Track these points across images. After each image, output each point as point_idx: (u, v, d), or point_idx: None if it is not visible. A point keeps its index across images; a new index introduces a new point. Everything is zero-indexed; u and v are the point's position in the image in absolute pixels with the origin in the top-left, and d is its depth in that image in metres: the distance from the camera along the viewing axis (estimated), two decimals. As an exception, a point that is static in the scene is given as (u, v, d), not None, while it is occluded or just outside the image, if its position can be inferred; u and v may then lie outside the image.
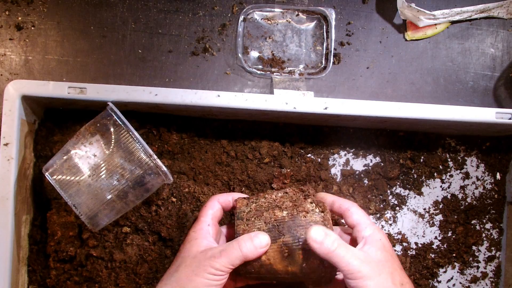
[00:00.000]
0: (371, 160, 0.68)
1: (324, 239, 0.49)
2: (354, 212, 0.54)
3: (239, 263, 0.51)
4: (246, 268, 0.52)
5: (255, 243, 0.51)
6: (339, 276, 0.56)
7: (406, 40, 0.69)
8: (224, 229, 0.60)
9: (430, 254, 0.67)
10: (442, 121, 0.60)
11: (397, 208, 0.68)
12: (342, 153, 0.68)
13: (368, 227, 0.53)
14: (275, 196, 0.55)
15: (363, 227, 0.53)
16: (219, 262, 0.50)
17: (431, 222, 0.68)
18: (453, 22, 0.69)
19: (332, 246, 0.48)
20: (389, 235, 0.67)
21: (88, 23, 0.67)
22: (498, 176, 0.69)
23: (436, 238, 0.68)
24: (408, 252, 0.67)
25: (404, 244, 0.67)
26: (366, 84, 0.69)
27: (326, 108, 0.58)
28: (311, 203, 0.53)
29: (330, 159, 0.67)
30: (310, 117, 0.61)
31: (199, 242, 0.54)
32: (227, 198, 0.58)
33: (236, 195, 0.58)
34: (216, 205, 0.58)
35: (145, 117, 0.64)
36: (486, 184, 0.69)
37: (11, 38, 0.66)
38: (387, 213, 0.67)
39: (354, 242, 0.54)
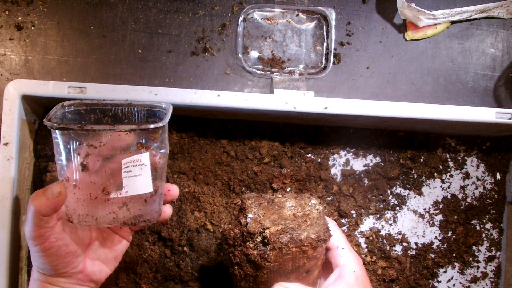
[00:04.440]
0: (371, 160, 0.68)
1: None
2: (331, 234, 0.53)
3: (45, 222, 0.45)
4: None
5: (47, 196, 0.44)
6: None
7: (406, 40, 0.69)
8: None
9: (430, 254, 0.67)
10: (442, 121, 0.60)
11: (397, 208, 0.68)
12: (342, 153, 0.68)
13: (344, 255, 0.52)
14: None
15: (338, 253, 0.52)
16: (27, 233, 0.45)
17: (431, 222, 0.68)
18: (453, 22, 0.69)
19: None
20: (389, 235, 0.67)
21: (88, 23, 0.67)
22: (498, 176, 0.69)
23: (436, 238, 0.68)
24: (408, 252, 0.67)
25: (404, 244, 0.67)
26: (366, 84, 0.69)
27: (326, 108, 0.58)
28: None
29: (330, 159, 0.67)
30: (310, 117, 0.61)
31: None
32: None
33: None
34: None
35: (145, 117, 0.64)
36: (486, 184, 0.69)
37: (11, 38, 0.66)
38: (387, 213, 0.67)
39: (329, 266, 0.54)
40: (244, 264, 0.50)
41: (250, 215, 0.50)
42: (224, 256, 0.63)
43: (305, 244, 0.48)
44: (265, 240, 0.48)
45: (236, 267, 0.51)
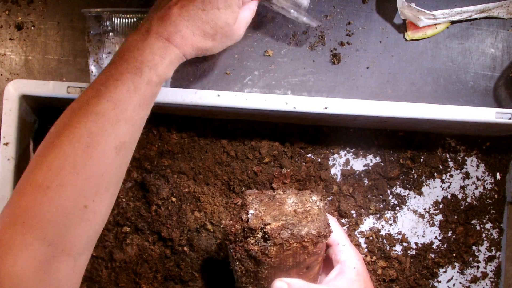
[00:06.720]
0: (371, 160, 0.68)
1: None
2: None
3: None
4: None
5: None
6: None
7: (406, 40, 0.69)
8: None
9: (430, 254, 0.67)
10: (442, 121, 0.60)
11: (397, 208, 0.68)
12: (342, 153, 0.68)
13: (344, 251, 0.52)
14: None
15: (339, 249, 0.53)
16: None
17: (431, 222, 0.68)
18: (453, 22, 0.69)
19: None
20: (389, 235, 0.67)
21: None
22: (498, 176, 0.69)
23: (436, 238, 0.68)
24: (408, 252, 0.67)
25: (404, 244, 0.67)
26: (366, 84, 0.69)
27: (326, 108, 0.58)
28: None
29: (330, 159, 0.67)
30: (310, 117, 0.61)
31: None
32: None
33: None
34: None
35: (145, 117, 0.64)
36: (486, 184, 0.69)
37: (11, 38, 0.66)
38: (387, 213, 0.67)
39: (329, 262, 0.54)
40: (245, 260, 0.51)
41: (251, 211, 0.50)
42: (226, 252, 0.63)
43: (306, 239, 0.48)
44: (266, 236, 0.48)
45: (237, 263, 0.51)
